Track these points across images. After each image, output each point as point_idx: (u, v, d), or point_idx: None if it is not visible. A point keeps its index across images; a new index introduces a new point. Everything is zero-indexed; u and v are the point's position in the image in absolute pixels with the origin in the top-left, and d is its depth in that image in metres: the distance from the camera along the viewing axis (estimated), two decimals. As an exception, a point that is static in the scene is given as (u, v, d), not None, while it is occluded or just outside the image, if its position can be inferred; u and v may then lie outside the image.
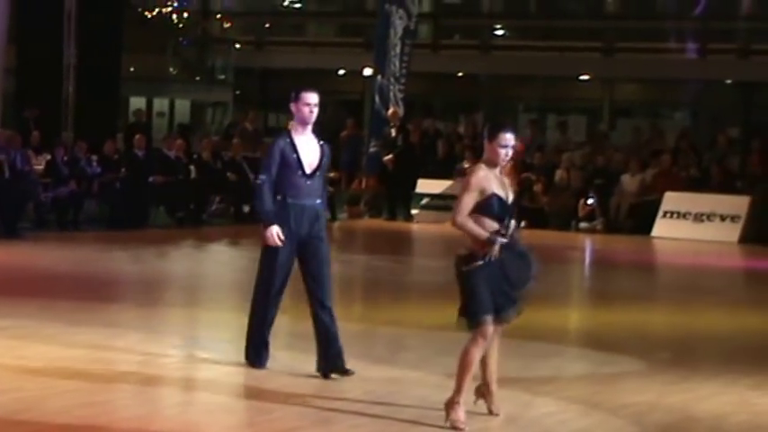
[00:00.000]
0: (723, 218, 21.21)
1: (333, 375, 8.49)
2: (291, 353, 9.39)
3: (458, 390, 7.35)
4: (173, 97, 32.75)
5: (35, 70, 22.53)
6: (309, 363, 8.83)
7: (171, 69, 32.32)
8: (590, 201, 22.32)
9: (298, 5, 34.53)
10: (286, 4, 34.22)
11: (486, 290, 7.25)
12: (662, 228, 21.49)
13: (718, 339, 11.52)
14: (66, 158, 19.95)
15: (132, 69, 27.89)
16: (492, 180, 7.37)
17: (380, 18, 24.96)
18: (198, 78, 32.72)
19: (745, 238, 20.83)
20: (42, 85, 22.35)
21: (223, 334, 10.59)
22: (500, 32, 32.42)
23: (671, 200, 21.65)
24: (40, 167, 19.70)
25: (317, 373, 8.55)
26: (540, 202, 22.47)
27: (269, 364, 8.75)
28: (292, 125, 8.69)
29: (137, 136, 21.23)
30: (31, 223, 18.93)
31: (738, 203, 21.27)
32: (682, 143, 23.76)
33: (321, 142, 8.71)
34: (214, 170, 21.82)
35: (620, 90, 30.87)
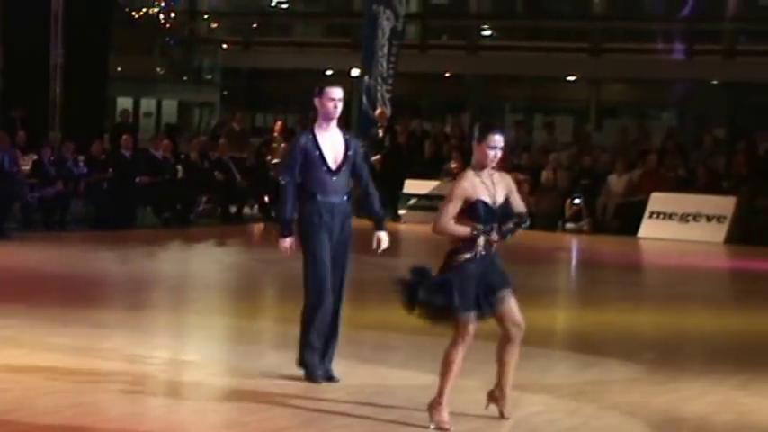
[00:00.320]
0: (709, 218, 21.27)
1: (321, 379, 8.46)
2: (279, 353, 9.39)
3: (440, 391, 7.37)
4: (160, 97, 32.71)
5: (22, 70, 22.49)
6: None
7: (158, 69, 32.28)
8: (576, 201, 22.35)
9: (285, 6, 34.52)
10: (273, 4, 34.21)
11: (470, 287, 7.26)
12: (648, 228, 21.54)
13: (703, 339, 11.56)
14: (52, 159, 19.93)
15: (119, 69, 27.86)
16: (478, 186, 7.37)
17: (368, 18, 24.98)
18: (185, 78, 32.69)
19: (730, 239, 20.89)
20: (29, 86, 22.31)
21: (210, 334, 10.59)
22: (487, 33, 32.46)
23: (657, 200, 21.69)
24: (27, 168, 19.68)
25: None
26: (526, 202, 22.47)
27: (261, 364, 8.74)
28: (317, 121, 8.41)
29: (124, 136, 21.21)
30: (17, 224, 18.89)
31: (724, 204, 21.32)
32: (668, 143, 23.82)
33: (347, 136, 8.49)
34: (201, 170, 21.81)
35: (606, 90, 30.95)
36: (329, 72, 31.12)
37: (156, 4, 30.33)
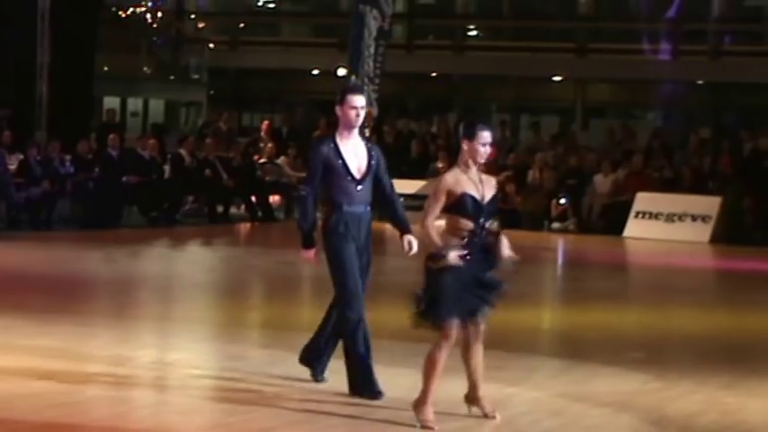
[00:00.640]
0: (694, 218, 21.33)
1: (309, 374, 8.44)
2: (265, 352, 9.40)
3: (424, 390, 7.41)
4: (147, 97, 32.68)
5: (8, 70, 22.43)
6: (283, 363, 8.85)
7: (145, 69, 32.24)
8: (562, 201, 22.40)
9: (272, 6, 34.50)
10: (260, 4, 34.19)
11: (453, 291, 7.28)
12: (634, 228, 21.59)
13: (689, 339, 11.58)
14: (39, 158, 19.89)
15: (106, 69, 27.82)
16: (463, 181, 7.40)
17: (354, 18, 24.96)
18: (172, 78, 32.66)
19: (715, 239, 20.96)
20: (15, 85, 22.26)
21: (196, 334, 10.58)
22: (473, 33, 32.49)
23: (643, 200, 21.75)
24: (13, 167, 19.63)
25: (350, 394, 8.11)
26: (512, 202, 22.53)
27: (247, 364, 8.73)
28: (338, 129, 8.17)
29: (111, 135, 21.19)
30: (3, 223, 18.87)
31: (709, 204, 21.38)
32: (654, 143, 23.87)
33: (369, 144, 8.29)
34: (189, 169, 21.80)
35: (592, 91, 31.00)
36: (316, 72, 31.17)
37: (143, 3, 30.29)
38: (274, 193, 23.38)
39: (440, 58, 30.84)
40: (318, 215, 8.24)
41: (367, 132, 23.74)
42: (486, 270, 7.43)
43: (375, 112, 24.23)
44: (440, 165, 22.38)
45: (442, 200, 7.35)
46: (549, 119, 29.66)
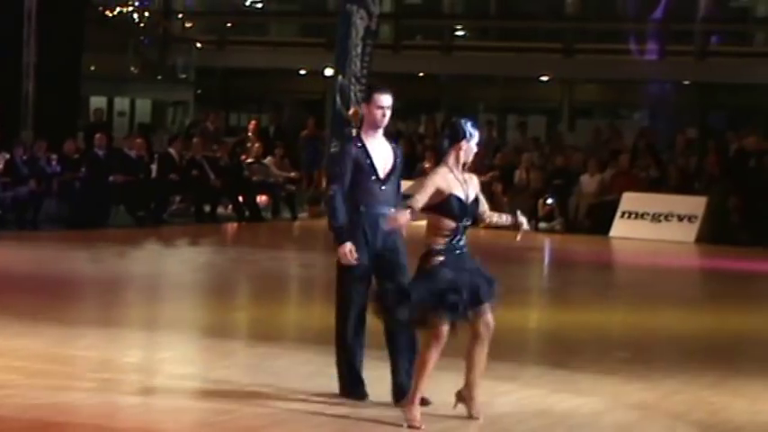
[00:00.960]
0: (680, 218, 21.38)
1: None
2: (252, 352, 9.41)
3: (414, 390, 7.41)
4: (133, 96, 32.62)
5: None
6: (270, 363, 8.85)
7: (132, 68, 32.18)
8: (549, 201, 22.43)
9: (259, 5, 34.49)
10: (248, 3, 34.16)
11: (444, 288, 7.30)
12: (620, 228, 21.64)
13: (675, 339, 11.63)
14: (25, 158, 19.84)
15: (93, 68, 27.75)
16: (452, 181, 7.44)
17: (341, 18, 24.96)
18: (159, 78, 32.59)
19: (701, 239, 21.01)
20: (1, 84, 22.20)
21: (183, 334, 10.58)
22: (461, 33, 32.52)
23: (629, 200, 21.79)
24: (-1, 167, 19.61)
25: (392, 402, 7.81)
26: (499, 202, 22.55)
27: (234, 364, 8.74)
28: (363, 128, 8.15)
29: (97, 135, 21.15)
30: (-11, 223, 18.83)
31: (695, 204, 21.44)
32: (640, 143, 23.93)
33: (393, 144, 8.15)
34: (177, 169, 21.78)
35: (579, 91, 31.05)
36: (303, 71, 31.17)
37: (131, 2, 30.24)
38: (261, 192, 23.37)
39: (427, 58, 30.85)
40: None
41: (354, 132, 23.76)
42: (475, 269, 7.45)
43: (362, 112, 24.24)
44: (427, 165, 22.39)
45: (430, 193, 7.35)
46: (536, 119, 29.70)
